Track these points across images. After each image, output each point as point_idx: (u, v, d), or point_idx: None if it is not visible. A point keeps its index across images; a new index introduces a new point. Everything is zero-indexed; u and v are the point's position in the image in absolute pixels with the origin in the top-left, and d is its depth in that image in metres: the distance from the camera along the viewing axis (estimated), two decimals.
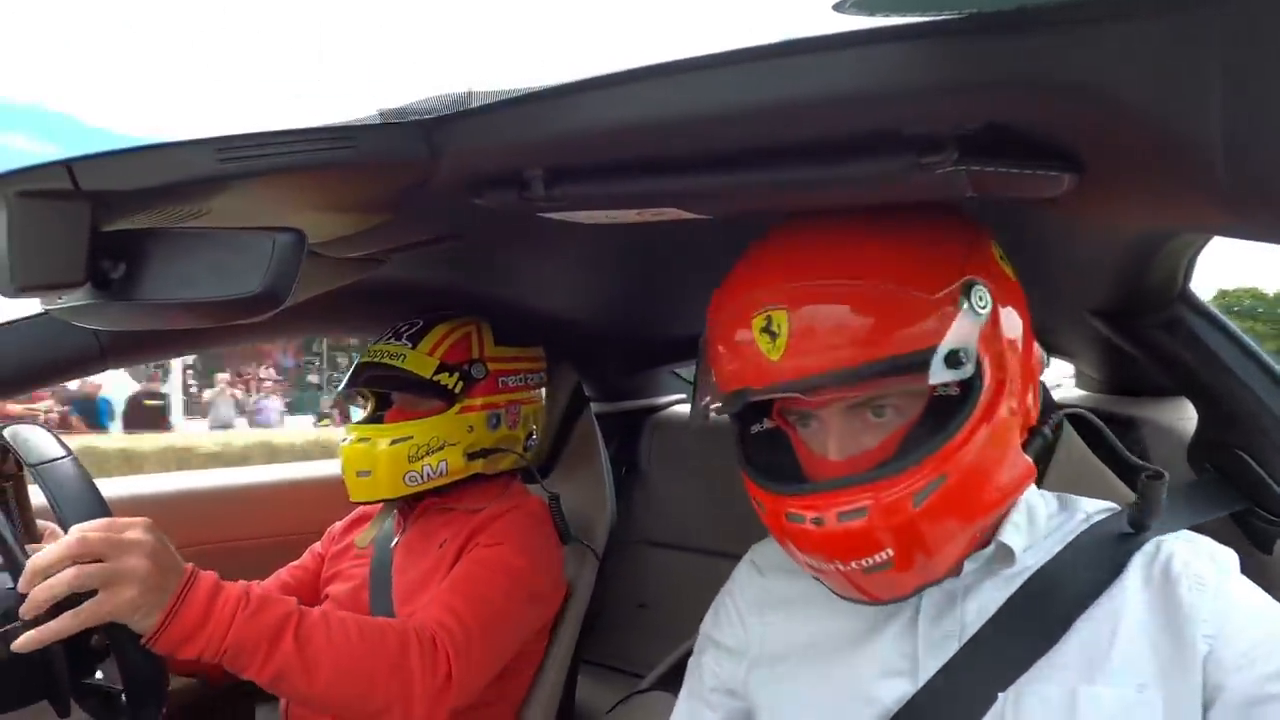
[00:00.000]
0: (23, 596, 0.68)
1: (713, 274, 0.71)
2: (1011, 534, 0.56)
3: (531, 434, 1.14)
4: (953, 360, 0.49)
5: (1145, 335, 0.89)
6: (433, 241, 0.78)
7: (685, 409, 1.65)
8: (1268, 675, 0.48)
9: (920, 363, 0.49)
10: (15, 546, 0.72)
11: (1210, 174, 0.38)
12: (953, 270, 0.51)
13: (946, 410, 0.52)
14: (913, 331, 0.50)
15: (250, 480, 1.50)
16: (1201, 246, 0.79)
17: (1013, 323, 0.55)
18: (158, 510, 1.03)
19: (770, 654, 0.65)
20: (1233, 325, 0.82)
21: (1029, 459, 0.56)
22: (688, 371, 1.72)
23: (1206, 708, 0.49)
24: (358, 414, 1.14)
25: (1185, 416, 0.93)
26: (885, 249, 0.52)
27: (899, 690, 0.56)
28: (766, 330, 0.51)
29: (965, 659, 0.55)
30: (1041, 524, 0.59)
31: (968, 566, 0.57)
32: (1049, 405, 0.62)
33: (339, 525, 1.17)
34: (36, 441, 0.77)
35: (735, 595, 0.70)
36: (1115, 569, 0.55)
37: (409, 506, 1.09)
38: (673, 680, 1.22)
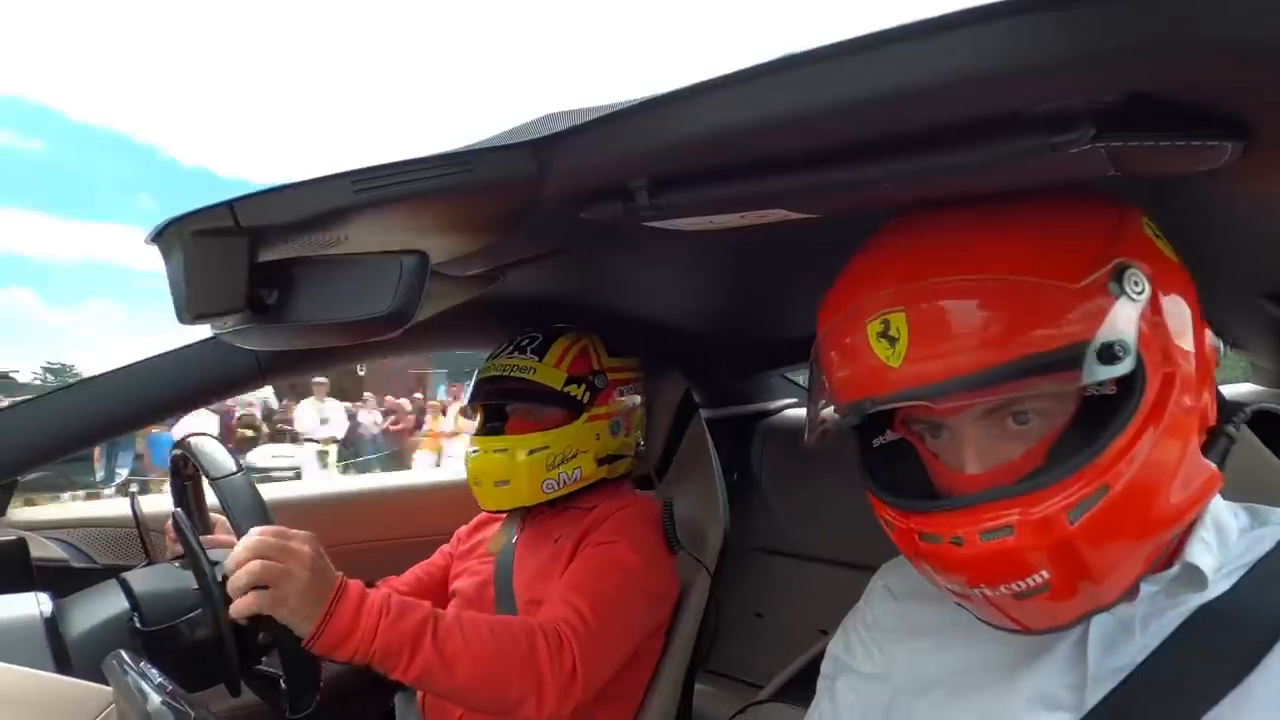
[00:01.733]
0: (197, 591, 0.78)
1: (821, 273, 0.68)
2: (1201, 553, 0.49)
3: (640, 440, 1.19)
4: (1107, 355, 0.43)
5: None
6: (545, 256, 0.81)
7: (797, 413, 1.61)
8: None
9: (1068, 360, 0.43)
10: (193, 538, 0.82)
11: None
12: (1099, 253, 0.45)
13: (1104, 412, 0.45)
14: (1056, 327, 0.44)
15: (386, 486, 1.62)
16: None
17: (1178, 309, 0.48)
18: (311, 511, 1.14)
19: (916, 683, 0.60)
20: None
21: (1213, 465, 0.49)
22: (797, 375, 1.68)
23: None
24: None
25: None
26: (1016, 236, 0.47)
27: None
28: (884, 335, 0.47)
29: (1139, 693, 0.48)
30: (1233, 540, 0.51)
31: (1145, 589, 0.49)
32: (1224, 403, 0.53)
33: (464, 529, 1.24)
34: (213, 454, 0.88)
35: (868, 620, 0.66)
36: None
37: (527, 509, 1.14)
38: (792, 692, 1.19)
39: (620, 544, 1.01)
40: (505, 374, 1.08)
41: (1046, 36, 0.35)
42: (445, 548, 1.24)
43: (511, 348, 1.12)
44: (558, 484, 1.06)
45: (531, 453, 1.05)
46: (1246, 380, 1.25)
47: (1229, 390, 1.22)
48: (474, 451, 1.09)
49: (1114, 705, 0.48)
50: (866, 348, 0.48)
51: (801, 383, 1.69)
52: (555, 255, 0.82)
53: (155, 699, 0.61)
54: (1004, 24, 0.35)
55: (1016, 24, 0.35)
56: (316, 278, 0.58)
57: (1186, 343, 0.48)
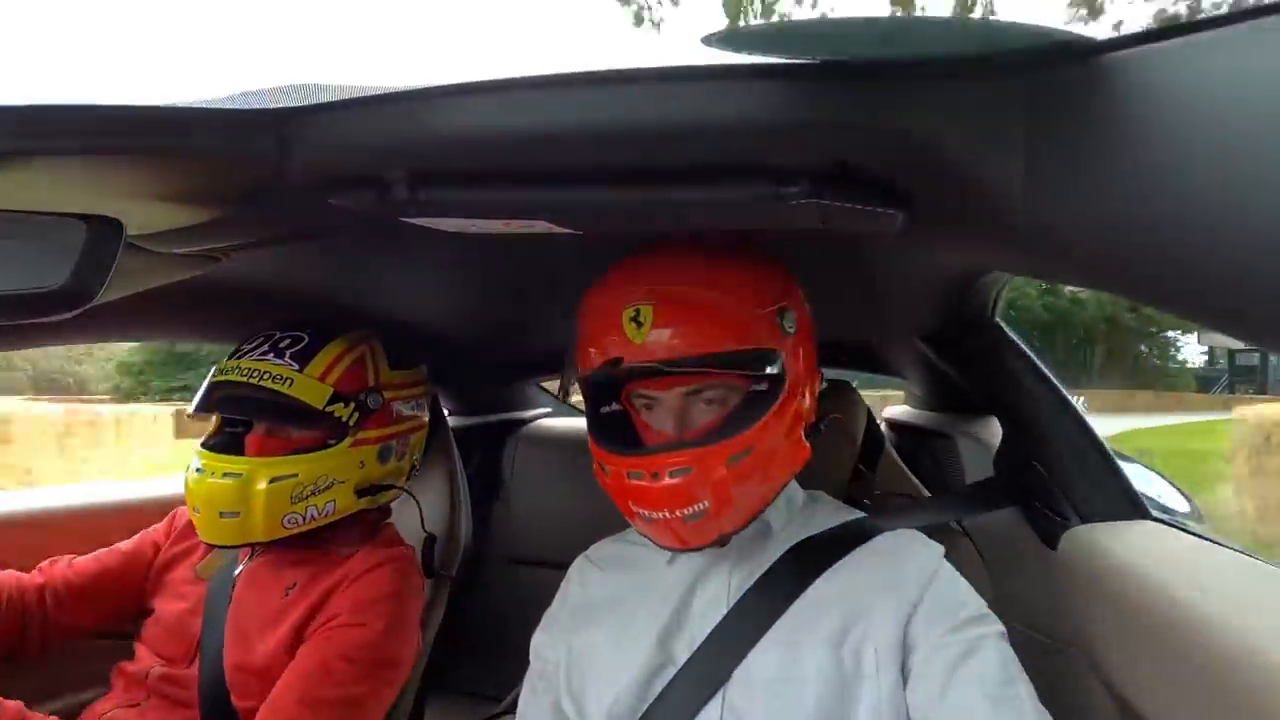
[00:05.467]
0: None
1: (583, 286, 0.71)
2: (772, 514, 0.72)
3: (415, 464, 1.04)
4: (770, 359, 0.65)
5: (961, 359, 1.00)
6: (280, 240, 0.72)
7: (550, 423, 1.64)
8: (948, 630, 0.63)
9: (749, 359, 0.64)
10: None
11: (1011, 222, 0.44)
12: (775, 295, 0.68)
13: (756, 402, 0.66)
14: (745, 334, 0.65)
15: (103, 499, 1.25)
16: (1007, 282, 0.91)
17: (807, 344, 0.71)
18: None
19: (578, 614, 0.76)
20: (1030, 353, 0.95)
21: (807, 445, 0.71)
22: (554, 385, 1.71)
23: (906, 656, 0.64)
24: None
25: (994, 431, 1.06)
26: (730, 269, 0.67)
27: (682, 642, 0.69)
28: (634, 320, 0.64)
29: (731, 617, 0.68)
30: (796, 511, 0.75)
31: (734, 542, 0.69)
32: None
33: (184, 520, 0.99)
34: None
35: (566, 581, 0.82)
36: (847, 550, 0.71)
37: None
38: None
39: (367, 628, 0.86)
40: (251, 380, 0.86)
41: (771, 101, 0.41)
42: (157, 532, 0.99)
43: (266, 346, 0.89)
44: (303, 519, 0.87)
45: (274, 481, 0.85)
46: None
47: (891, 410, 1.51)
48: (197, 470, 0.86)
49: (718, 627, 0.67)
50: (620, 327, 0.65)
51: (554, 391, 1.73)
52: (295, 241, 0.74)
53: None
54: (740, 84, 0.40)
55: (749, 86, 0.40)
56: None
57: (807, 368, 0.71)
